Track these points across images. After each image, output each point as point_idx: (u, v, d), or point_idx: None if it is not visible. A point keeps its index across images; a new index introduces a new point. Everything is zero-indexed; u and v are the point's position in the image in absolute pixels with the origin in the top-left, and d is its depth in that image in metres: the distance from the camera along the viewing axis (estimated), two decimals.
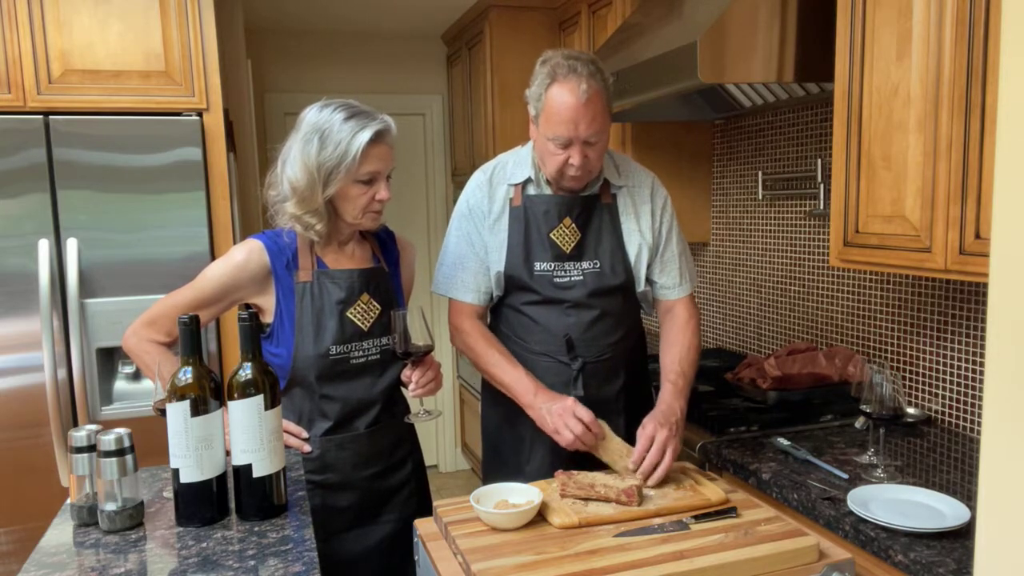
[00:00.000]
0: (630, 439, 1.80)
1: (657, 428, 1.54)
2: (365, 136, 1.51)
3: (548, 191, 1.77)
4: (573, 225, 1.76)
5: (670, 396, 1.67)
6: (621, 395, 1.82)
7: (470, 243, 1.79)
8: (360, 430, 1.65)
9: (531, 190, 1.78)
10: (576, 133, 1.61)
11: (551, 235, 1.75)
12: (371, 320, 1.64)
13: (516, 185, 1.78)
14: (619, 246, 1.78)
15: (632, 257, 1.79)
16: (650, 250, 1.80)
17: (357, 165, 1.52)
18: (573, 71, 1.60)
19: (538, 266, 1.75)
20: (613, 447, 1.58)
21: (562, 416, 1.57)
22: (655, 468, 1.51)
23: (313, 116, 1.55)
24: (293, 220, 1.58)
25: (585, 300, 1.75)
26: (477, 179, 1.81)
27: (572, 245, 1.76)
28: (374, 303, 1.65)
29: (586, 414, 1.56)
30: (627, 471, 1.53)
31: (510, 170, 1.80)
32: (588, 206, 1.77)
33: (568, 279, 1.75)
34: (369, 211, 1.59)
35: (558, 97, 1.60)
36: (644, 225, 1.80)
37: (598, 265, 1.76)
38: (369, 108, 1.57)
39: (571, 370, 1.76)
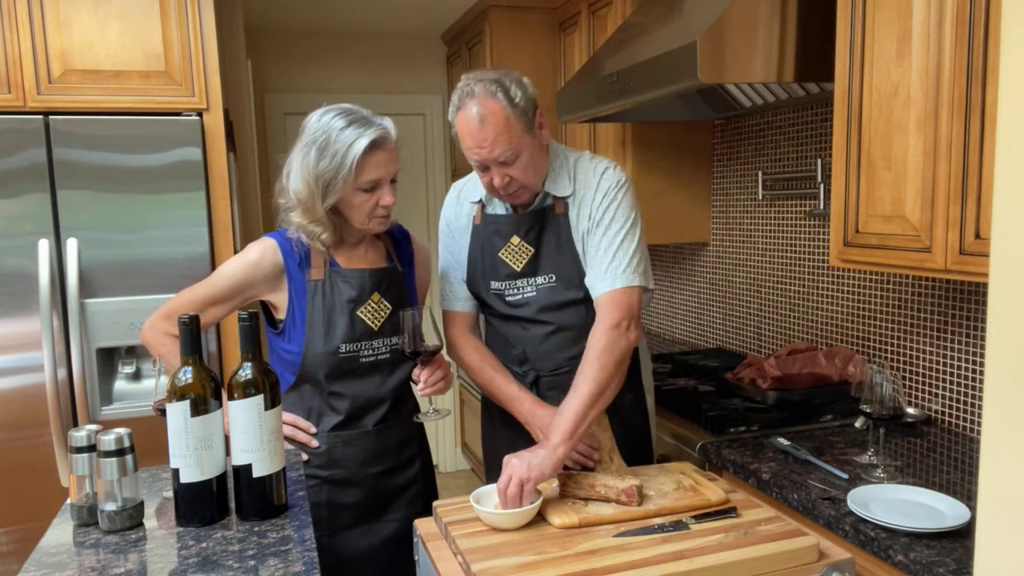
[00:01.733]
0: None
1: (509, 459, 1.42)
2: (361, 145, 1.51)
3: (501, 209, 1.76)
4: (523, 243, 1.72)
5: (552, 429, 1.49)
6: None
7: (452, 254, 1.83)
8: (368, 427, 1.66)
9: (489, 209, 1.78)
10: (481, 157, 1.60)
11: (500, 255, 1.75)
12: (382, 319, 1.65)
13: (477, 203, 1.79)
14: (573, 258, 1.71)
15: (585, 265, 1.71)
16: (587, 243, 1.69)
17: (354, 176, 1.53)
18: (470, 95, 1.57)
19: (493, 284, 1.76)
20: (611, 469, 1.57)
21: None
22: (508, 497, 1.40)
23: (313, 124, 1.56)
24: (299, 229, 1.60)
25: (536, 316, 1.74)
26: (451, 195, 1.86)
27: (524, 262, 1.73)
28: (385, 302, 1.65)
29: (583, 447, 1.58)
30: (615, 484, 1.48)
31: (470, 189, 1.82)
32: (538, 221, 1.72)
33: (520, 296, 1.75)
34: (375, 216, 1.60)
35: (459, 124, 1.60)
36: (584, 224, 1.69)
37: (553, 279, 1.73)
38: (368, 113, 1.57)
39: (525, 382, 1.77)
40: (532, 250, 1.73)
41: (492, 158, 1.59)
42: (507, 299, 1.76)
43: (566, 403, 1.51)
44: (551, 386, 1.76)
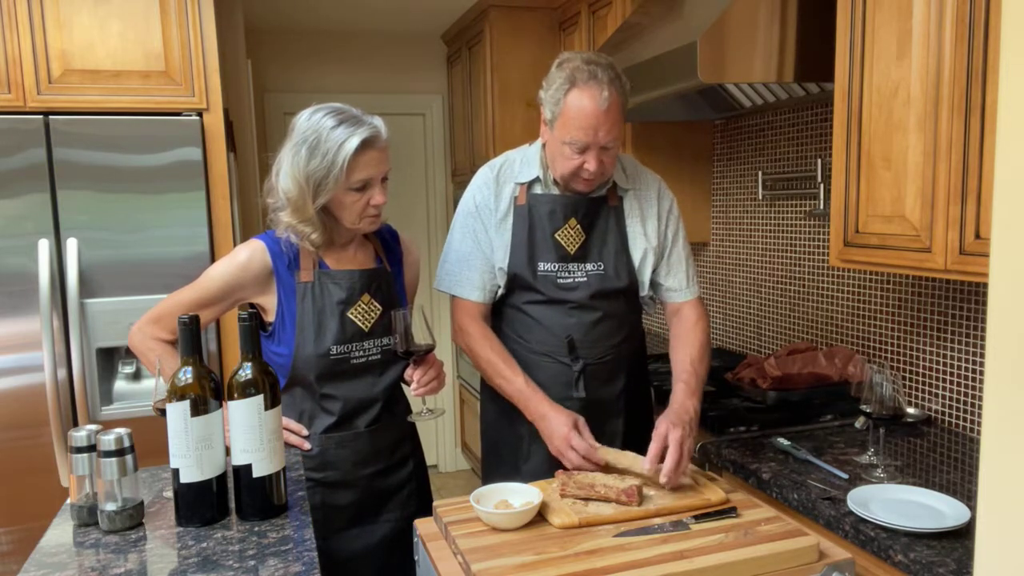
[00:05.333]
0: (630, 440, 1.79)
1: (670, 427, 1.51)
2: (352, 145, 1.50)
3: (555, 191, 1.76)
4: (578, 226, 1.75)
5: (683, 395, 1.65)
6: (621, 397, 1.82)
7: (476, 240, 1.77)
8: (361, 428, 1.66)
9: (537, 189, 1.77)
10: (595, 139, 1.61)
11: (556, 236, 1.74)
12: (372, 320, 1.64)
13: (523, 184, 1.77)
14: (624, 249, 1.78)
15: (636, 261, 1.78)
16: (655, 254, 1.80)
17: (345, 175, 1.51)
18: (594, 77, 1.59)
19: (542, 266, 1.75)
20: (626, 460, 1.55)
21: (565, 441, 1.57)
22: (676, 467, 1.48)
23: (303, 123, 1.54)
24: (288, 229, 1.58)
25: (588, 302, 1.75)
26: (484, 176, 1.80)
27: (577, 246, 1.75)
28: (375, 303, 1.65)
29: (581, 445, 1.55)
30: (647, 474, 1.51)
31: (518, 168, 1.79)
32: (594, 208, 1.77)
33: (572, 280, 1.75)
34: (366, 216, 1.59)
35: (578, 103, 1.59)
36: (650, 228, 1.80)
37: (602, 267, 1.76)
38: (359, 112, 1.56)
39: (572, 371, 1.75)
40: (584, 236, 1.76)
41: (604, 142, 1.62)
42: (559, 282, 1.75)
43: (691, 377, 1.68)
44: (594, 375, 1.77)
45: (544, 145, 1.75)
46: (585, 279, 1.75)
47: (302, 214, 1.55)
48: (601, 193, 1.77)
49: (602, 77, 1.59)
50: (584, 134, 1.60)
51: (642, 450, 1.54)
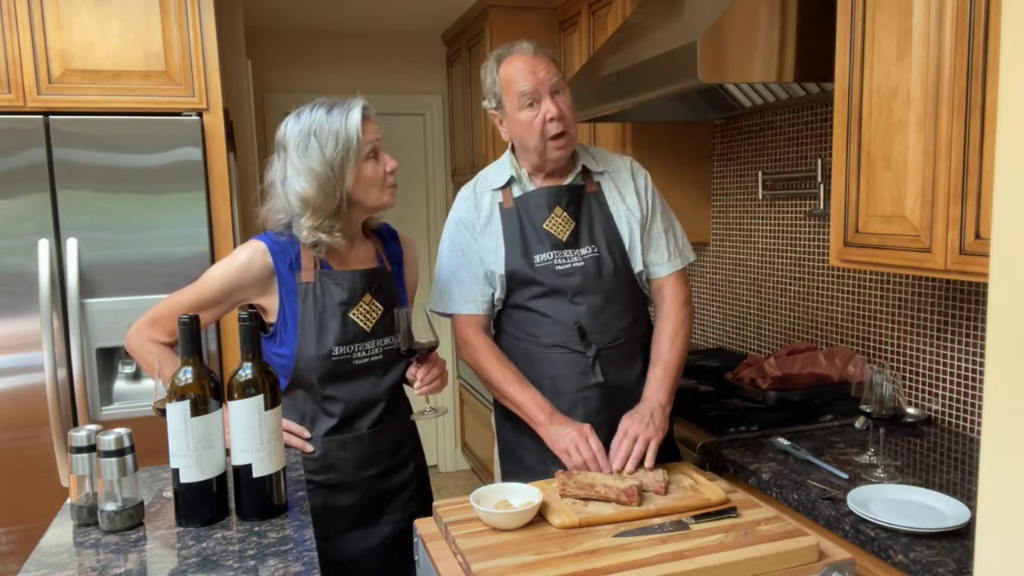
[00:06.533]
0: None
1: (629, 423, 1.62)
2: (356, 115, 1.55)
3: (532, 187, 1.80)
4: (565, 214, 1.78)
5: (650, 390, 1.71)
6: (641, 381, 1.81)
7: (463, 253, 1.80)
8: (362, 430, 1.65)
9: (517, 191, 1.81)
10: (538, 79, 1.70)
11: (544, 226, 1.77)
12: (373, 321, 1.64)
13: (501, 189, 1.81)
14: (613, 232, 1.80)
15: (626, 240, 1.81)
16: (641, 226, 1.82)
17: (361, 144, 1.55)
18: (516, 45, 1.75)
19: (538, 258, 1.76)
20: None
21: (575, 440, 1.60)
22: (629, 457, 1.58)
23: (294, 127, 1.58)
24: (312, 232, 1.57)
25: (589, 285, 1.76)
26: (462, 194, 1.87)
27: (567, 233, 1.78)
28: (376, 304, 1.65)
29: (596, 443, 1.60)
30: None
31: (491, 177, 1.84)
32: (576, 195, 1.80)
33: (569, 265, 1.77)
34: (387, 186, 1.62)
35: (507, 66, 1.73)
36: (631, 203, 1.83)
37: (596, 250, 1.78)
38: (336, 98, 1.61)
39: (587, 357, 1.75)
40: (573, 223, 1.79)
41: (548, 81, 1.70)
42: (557, 268, 1.76)
43: (659, 368, 1.73)
44: (609, 359, 1.78)
45: (512, 147, 1.82)
46: (582, 263, 1.77)
47: (326, 208, 1.55)
48: (577, 182, 1.81)
49: (522, 43, 1.75)
50: (526, 82, 1.70)
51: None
